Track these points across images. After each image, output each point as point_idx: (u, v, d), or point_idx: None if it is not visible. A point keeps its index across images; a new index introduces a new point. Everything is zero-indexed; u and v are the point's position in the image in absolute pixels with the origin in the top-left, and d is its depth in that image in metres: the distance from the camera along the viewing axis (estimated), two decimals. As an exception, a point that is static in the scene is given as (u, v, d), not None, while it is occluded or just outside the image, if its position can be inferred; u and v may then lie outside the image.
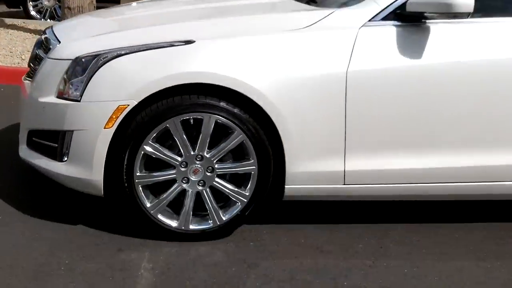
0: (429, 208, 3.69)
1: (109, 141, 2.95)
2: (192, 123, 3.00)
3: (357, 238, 3.30)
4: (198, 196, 3.10)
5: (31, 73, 3.43)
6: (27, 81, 3.42)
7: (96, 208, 3.44)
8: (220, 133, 3.04)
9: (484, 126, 3.15)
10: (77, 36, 3.30)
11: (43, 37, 3.54)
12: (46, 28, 3.69)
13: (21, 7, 9.61)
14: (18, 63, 6.38)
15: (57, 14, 8.99)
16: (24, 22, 8.77)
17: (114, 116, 2.92)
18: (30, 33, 7.93)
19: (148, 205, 3.06)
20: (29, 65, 3.60)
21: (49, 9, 9.33)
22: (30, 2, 9.41)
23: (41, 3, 9.34)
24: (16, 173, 3.89)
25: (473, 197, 3.40)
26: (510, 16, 3.22)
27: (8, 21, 8.89)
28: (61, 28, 3.58)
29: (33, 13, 9.35)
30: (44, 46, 3.42)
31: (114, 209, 3.38)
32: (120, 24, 3.54)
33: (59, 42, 3.25)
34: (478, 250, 3.25)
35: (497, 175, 3.25)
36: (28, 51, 6.62)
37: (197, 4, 3.74)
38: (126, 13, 3.81)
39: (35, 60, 3.45)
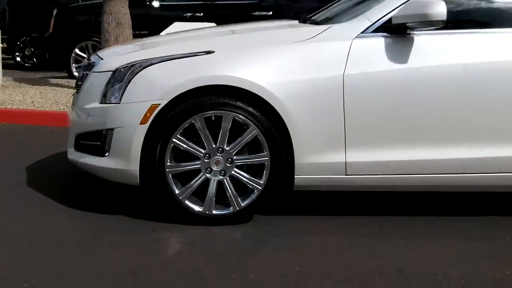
0: (432, 202, 4.14)
1: (144, 136, 3.50)
2: (213, 119, 3.55)
3: (360, 224, 3.75)
4: (221, 186, 3.61)
5: (78, 90, 4.03)
6: (74, 95, 4.04)
7: (132, 202, 3.98)
8: (239, 131, 3.57)
9: (465, 122, 3.62)
10: (116, 54, 3.91)
11: (88, 61, 4.16)
12: (91, 55, 4.32)
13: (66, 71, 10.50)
14: (63, 109, 7.05)
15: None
16: (67, 82, 9.56)
17: (148, 114, 3.49)
18: (74, 89, 8.65)
19: (177, 191, 3.58)
20: (76, 85, 4.21)
21: (90, 70, 10.15)
22: (73, 64, 10.23)
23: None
24: (65, 184, 4.48)
25: (464, 188, 3.82)
26: (480, 28, 3.76)
27: (53, 81, 9.71)
28: (103, 51, 4.22)
29: (75, 73, 10.13)
30: (89, 67, 4.03)
31: (148, 199, 3.91)
32: (152, 43, 4.16)
33: (102, 59, 3.87)
34: (471, 234, 3.66)
35: (483, 167, 3.68)
36: (72, 100, 7.30)
37: (217, 29, 4.37)
38: (158, 38, 4.45)
39: (81, 79, 4.06)
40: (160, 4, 10.27)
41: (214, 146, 3.56)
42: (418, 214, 3.96)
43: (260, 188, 3.61)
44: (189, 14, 10.06)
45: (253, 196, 3.63)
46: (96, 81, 3.72)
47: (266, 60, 3.57)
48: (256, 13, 9.98)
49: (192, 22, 8.32)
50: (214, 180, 3.59)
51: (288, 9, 10.04)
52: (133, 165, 3.54)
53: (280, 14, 9.96)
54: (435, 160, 3.65)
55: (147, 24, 10.01)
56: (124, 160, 3.56)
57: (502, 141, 3.65)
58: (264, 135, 3.55)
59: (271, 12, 9.95)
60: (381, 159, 3.63)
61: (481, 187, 3.80)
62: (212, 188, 3.60)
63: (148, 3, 10.17)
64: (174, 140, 3.52)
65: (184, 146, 3.55)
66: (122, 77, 3.59)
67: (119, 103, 3.56)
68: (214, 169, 3.59)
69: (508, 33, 3.70)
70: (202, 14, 10.06)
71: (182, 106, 3.51)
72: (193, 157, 3.58)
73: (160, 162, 3.54)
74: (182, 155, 3.59)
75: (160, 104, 3.49)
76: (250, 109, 3.53)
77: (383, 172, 3.67)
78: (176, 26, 7.60)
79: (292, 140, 3.56)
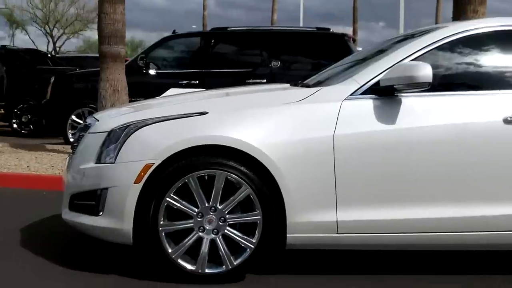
0: (427, 260, 4.16)
1: (137, 195, 3.56)
2: (206, 179, 3.61)
3: (354, 283, 3.76)
4: (214, 245, 3.64)
5: (74, 152, 4.10)
6: (70, 157, 4.11)
7: (125, 261, 4.00)
8: (232, 190, 3.63)
9: (454, 180, 3.69)
10: (112, 115, 4.01)
11: (84, 124, 4.25)
12: (87, 117, 4.42)
13: (62, 137, 10.60)
14: (59, 173, 7.11)
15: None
16: (63, 147, 9.67)
17: (142, 173, 3.55)
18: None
19: (170, 250, 3.61)
20: (72, 147, 4.29)
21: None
22: (70, 131, 10.37)
23: (80, 130, 10.29)
24: (59, 244, 4.50)
25: (457, 247, 3.86)
26: (465, 90, 3.87)
27: (50, 147, 9.81)
28: (99, 113, 4.31)
29: (72, 139, 10.23)
30: (85, 129, 4.12)
31: (141, 259, 3.93)
32: (147, 105, 4.25)
33: (98, 121, 3.96)
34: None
35: (476, 226, 3.72)
36: (67, 164, 7.37)
37: (212, 92, 4.48)
38: (153, 101, 4.56)
39: (77, 141, 4.13)
40: (156, 72, 10.47)
41: (207, 205, 3.62)
42: (412, 272, 3.98)
43: (253, 246, 3.64)
44: (185, 82, 10.26)
45: (245, 255, 3.65)
46: (92, 142, 3.80)
47: (258, 121, 3.66)
48: (251, 80, 10.19)
49: (191, 89, 8.48)
50: (207, 238, 3.63)
51: (281, 77, 10.27)
52: (127, 224, 3.58)
53: (274, 82, 10.18)
54: (425, 219, 3.69)
55: (144, 91, 10.17)
56: (117, 219, 3.60)
57: (494, 200, 3.70)
58: (257, 194, 3.61)
59: (265, 80, 10.17)
60: (372, 218, 3.68)
61: (476, 245, 3.84)
62: (205, 246, 3.63)
63: (144, 71, 10.37)
64: (167, 199, 3.58)
65: (178, 205, 3.60)
66: (117, 137, 3.67)
67: (114, 163, 3.63)
68: (207, 227, 3.63)
69: (490, 94, 3.82)
70: (197, 82, 10.26)
71: (176, 166, 3.58)
72: (186, 216, 3.63)
73: (153, 221, 3.58)
74: (175, 214, 3.64)
75: (154, 163, 3.55)
76: (242, 168, 3.60)
77: (374, 231, 3.71)
78: (172, 92, 7.75)
79: (284, 199, 3.62)
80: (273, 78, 10.21)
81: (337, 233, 3.68)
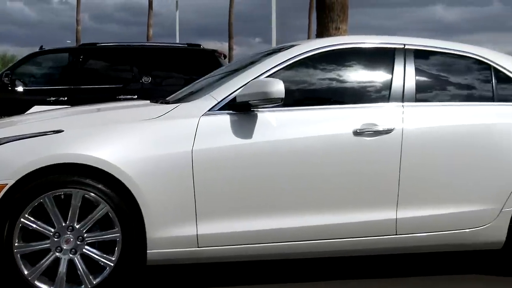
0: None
1: (-10, 216, 3.46)
2: (63, 198, 3.56)
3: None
4: (73, 265, 3.59)
5: None
6: None
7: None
8: (91, 208, 3.60)
9: (308, 191, 3.85)
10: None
11: None
12: None
13: None
14: None
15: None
16: None
17: (-6, 194, 3.45)
18: None
19: (26, 272, 3.53)
20: None
21: None
22: None
23: None
24: None
25: (314, 254, 4.01)
26: (319, 105, 4.06)
27: None
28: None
29: None
30: None
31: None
32: (6, 123, 4.11)
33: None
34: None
35: (332, 233, 3.90)
36: None
37: (71, 109, 4.43)
38: (10, 119, 4.44)
39: None
40: (24, 89, 10.15)
41: (64, 224, 3.57)
42: (265, 282, 4.10)
43: (112, 264, 3.63)
44: (53, 99, 9.99)
45: (105, 273, 3.63)
46: None
47: (115, 138, 3.66)
48: (122, 96, 10.07)
49: (55, 106, 8.29)
50: (64, 259, 3.58)
51: (153, 92, 10.22)
52: (-21, 247, 3.47)
53: (146, 97, 10.10)
54: (284, 228, 3.82)
55: (10, 108, 9.80)
56: (-31, 242, 3.48)
57: (346, 208, 3.89)
58: (115, 211, 3.60)
59: (136, 96, 10.07)
60: (231, 230, 3.77)
61: (331, 252, 4.01)
62: (63, 267, 3.58)
63: (10, 88, 10.02)
64: (22, 220, 3.50)
65: (33, 225, 3.53)
66: (-33, 159, 3.55)
67: (-36, 185, 3.50)
68: (64, 247, 3.58)
69: (342, 109, 4.03)
70: (66, 98, 10.02)
71: (30, 186, 3.51)
72: (43, 237, 3.56)
73: (7, 242, 3.49)
74: (31, 235, 3.56)
75: (7, 184, 3.47)
76: (100, 186, 3.59)
77: (234, 243, 3.79)
78: (36, 109, 7.57)
79: (144, 216, 3.63)
80: (145, 93, 10.11)
81: (198, 247, 3.74)
